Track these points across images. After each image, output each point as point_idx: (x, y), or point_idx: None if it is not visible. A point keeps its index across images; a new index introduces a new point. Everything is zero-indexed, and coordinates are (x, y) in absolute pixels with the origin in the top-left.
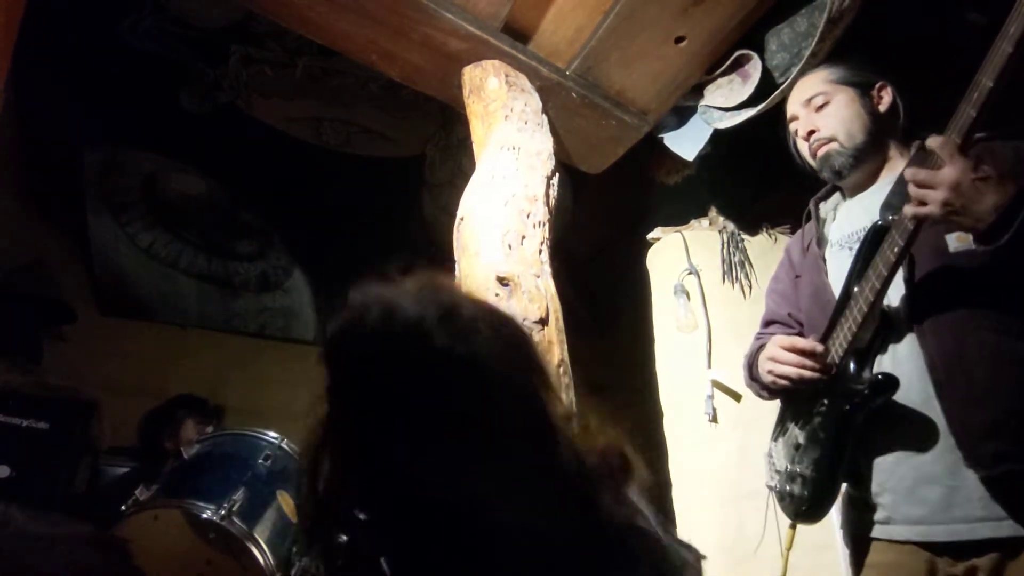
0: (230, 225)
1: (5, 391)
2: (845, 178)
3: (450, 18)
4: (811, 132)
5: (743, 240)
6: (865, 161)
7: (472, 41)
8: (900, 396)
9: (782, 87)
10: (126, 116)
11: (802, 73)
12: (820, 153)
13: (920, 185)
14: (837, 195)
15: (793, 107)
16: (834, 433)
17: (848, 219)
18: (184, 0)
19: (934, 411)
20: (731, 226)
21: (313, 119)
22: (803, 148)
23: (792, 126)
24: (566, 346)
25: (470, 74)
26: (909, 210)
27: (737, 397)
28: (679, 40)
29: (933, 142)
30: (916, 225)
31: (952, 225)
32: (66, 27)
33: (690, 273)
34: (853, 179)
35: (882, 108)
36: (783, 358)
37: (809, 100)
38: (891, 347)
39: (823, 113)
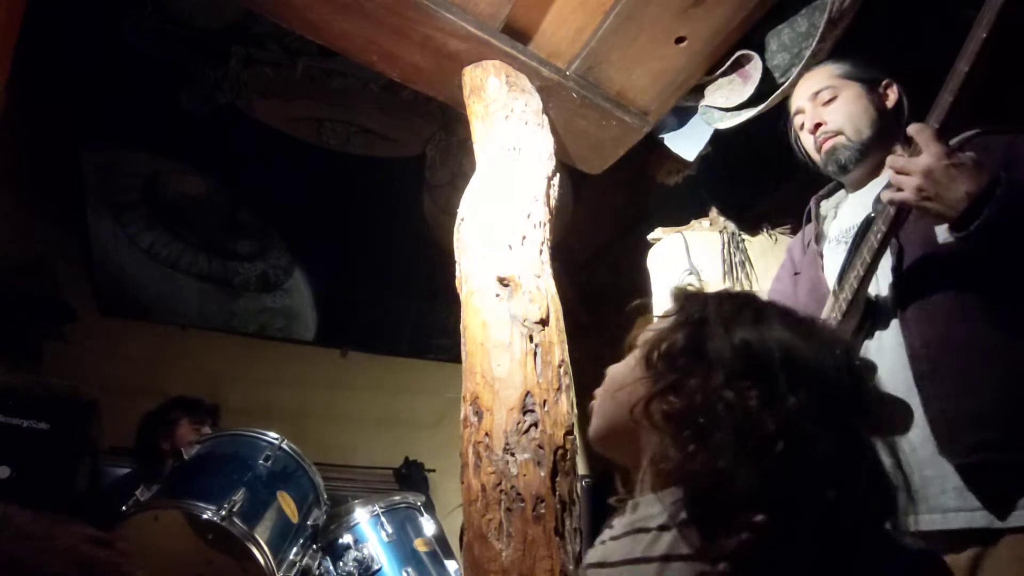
0: (230, 225)
1: (5, 391)
2: (849, 172)
3: (450, 18)
4: (818, 125)
5: (743, 240)
6: (870, 156)
7: (472, 41)
8: (886, 385)
9: (783, 87)
10: (126, 116)
11: (802, 74)
12: (826, 146)
13: (898, 171)
14: (840, 193)
15: (799, 100)
16: None
17: (847, 215)
18: (184, 1)
19: (915, 399)
20: (731, 226)
21: (313, 119)
22: (807, 142)
23: (797, 119)
24: (566, 346)
25: (470, 74)
26: (885, 195)
27: None
28: (679, 40)
29: (912, 129)
30: (896, 211)
31: (926, 212)
32: (66, 27)
33: (690, 273)
34: (856, 174)
35: (888, 104)
36: None
37: (816, 94)
38: (877, 335)
39: (830, 107)
